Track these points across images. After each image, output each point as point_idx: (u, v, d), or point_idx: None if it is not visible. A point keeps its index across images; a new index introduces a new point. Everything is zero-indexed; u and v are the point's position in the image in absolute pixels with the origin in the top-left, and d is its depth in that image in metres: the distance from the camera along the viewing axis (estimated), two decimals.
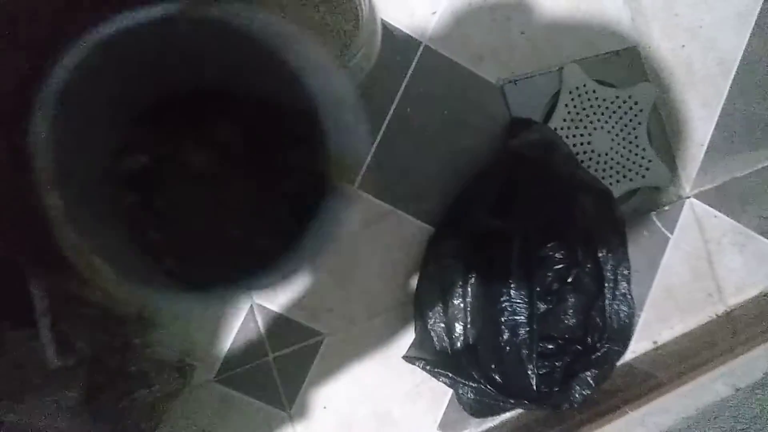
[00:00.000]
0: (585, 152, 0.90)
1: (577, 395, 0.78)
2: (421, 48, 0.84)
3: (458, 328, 0.79)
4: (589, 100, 0.90)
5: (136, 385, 0.74)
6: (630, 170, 0.91)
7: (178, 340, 0.76)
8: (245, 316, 0.78)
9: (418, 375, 0.82)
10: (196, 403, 0.77)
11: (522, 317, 0.74)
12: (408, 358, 0.82)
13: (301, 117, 0.27)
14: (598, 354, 0.79)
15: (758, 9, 0.96)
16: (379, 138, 0.82)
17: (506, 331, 0.74)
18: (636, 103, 0.91)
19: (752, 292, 0.98)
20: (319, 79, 0.26)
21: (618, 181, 0.91)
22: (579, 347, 0.79)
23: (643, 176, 0.92)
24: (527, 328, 0.73)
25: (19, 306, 0.68)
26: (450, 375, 0.78)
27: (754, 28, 0.96)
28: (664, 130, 0.94)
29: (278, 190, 0.35)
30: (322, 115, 0.26)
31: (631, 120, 0.91)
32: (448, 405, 0.84)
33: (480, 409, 0.81)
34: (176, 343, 0.76)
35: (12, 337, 0.70)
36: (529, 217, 0.77)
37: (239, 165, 0.35)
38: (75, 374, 0.73)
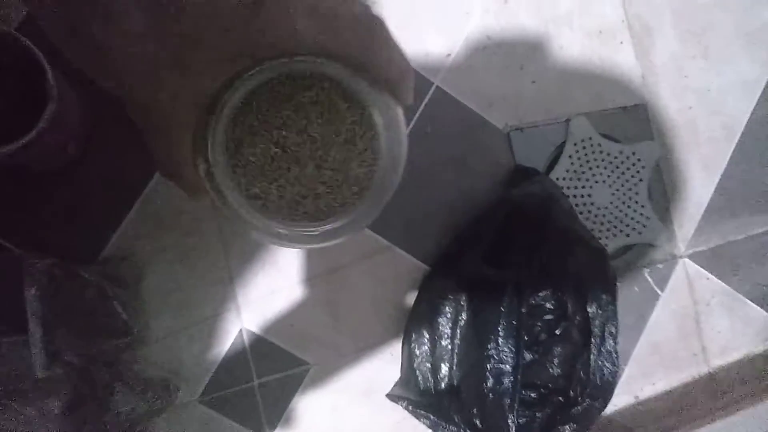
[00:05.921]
0: (584, 204, 0.91)
1: None
2: (433, 88, 0.86)
3: (444, 369, 0.79)
4: (593, 153, 0.91)
5: (121, 400, 0.75)
6: (627, 225, 0.92)
7: (165, 358, 0.76)
8: (234, 340, 0.79)
9: (400, 412, 0.83)
10: (179, 422, 0.77)
11: (507, 366, 0.75)
12: (391, 397, 0.82)
13: None
14: (579, 408, 0.80)
15: (765, 79, 0.97)
16: None
17: (491, 378, 0.75)
18: (639, 160, 0.92)
19: (736, 355, 0.99)
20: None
21: (615, 236, 0.92)
22: (561, 399, 0.80)
23: (640, 233, 0.93)
24: (511, 378, 0.74)
25: (13, 313, 0.69)
26: (431, 417, 0.79)
27: (760, 97, 0.97)
28: (664, 189, 0.95)
29: None
30: None
31: (632, 176, 0.92)
32: None
33: None
34: (163, 362, 0.77)
35: (4, 344, 0.71)
36: (522, 267, 0.78)
37: None
38: (61, 384, 0.73)
